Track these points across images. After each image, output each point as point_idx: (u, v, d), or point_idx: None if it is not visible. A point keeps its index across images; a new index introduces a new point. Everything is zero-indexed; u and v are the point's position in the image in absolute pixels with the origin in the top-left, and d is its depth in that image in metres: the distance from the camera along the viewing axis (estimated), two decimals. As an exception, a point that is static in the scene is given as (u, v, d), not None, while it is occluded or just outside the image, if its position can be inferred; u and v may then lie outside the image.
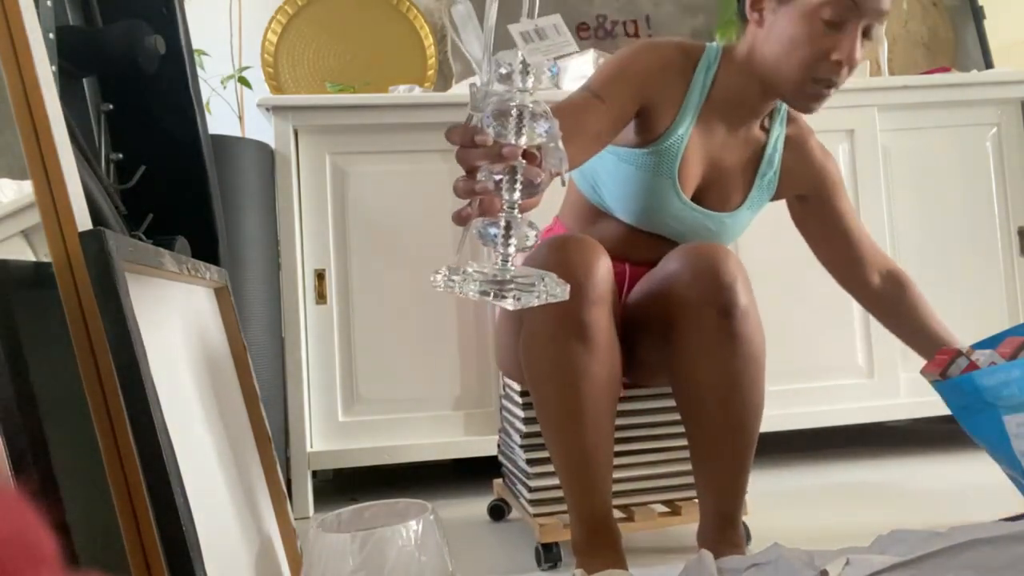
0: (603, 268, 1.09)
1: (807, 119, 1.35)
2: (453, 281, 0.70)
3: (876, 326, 1.95)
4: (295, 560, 1.16)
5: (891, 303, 1.41)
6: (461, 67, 2.33)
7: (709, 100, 1.25)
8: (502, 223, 0.71)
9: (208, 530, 0.77)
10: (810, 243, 1.43)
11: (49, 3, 1.05)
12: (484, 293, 0.69)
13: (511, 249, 0.71)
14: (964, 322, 2.01)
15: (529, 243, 0.72)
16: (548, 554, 1.27)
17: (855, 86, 2.01)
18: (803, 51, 1.13)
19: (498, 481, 1.62)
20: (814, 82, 1.15)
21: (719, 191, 1.30)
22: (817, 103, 1.18)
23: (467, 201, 0.73)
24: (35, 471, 0.66)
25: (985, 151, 2.07)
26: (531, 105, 0.70)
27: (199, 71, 1.71)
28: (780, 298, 1.91)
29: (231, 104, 2.18)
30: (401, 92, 2.02)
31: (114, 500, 0.71)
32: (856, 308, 1.96)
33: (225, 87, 2.17)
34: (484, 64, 0.70)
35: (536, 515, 1.32)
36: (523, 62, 0.69)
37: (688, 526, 1.28)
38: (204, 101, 1.59)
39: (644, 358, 1.23)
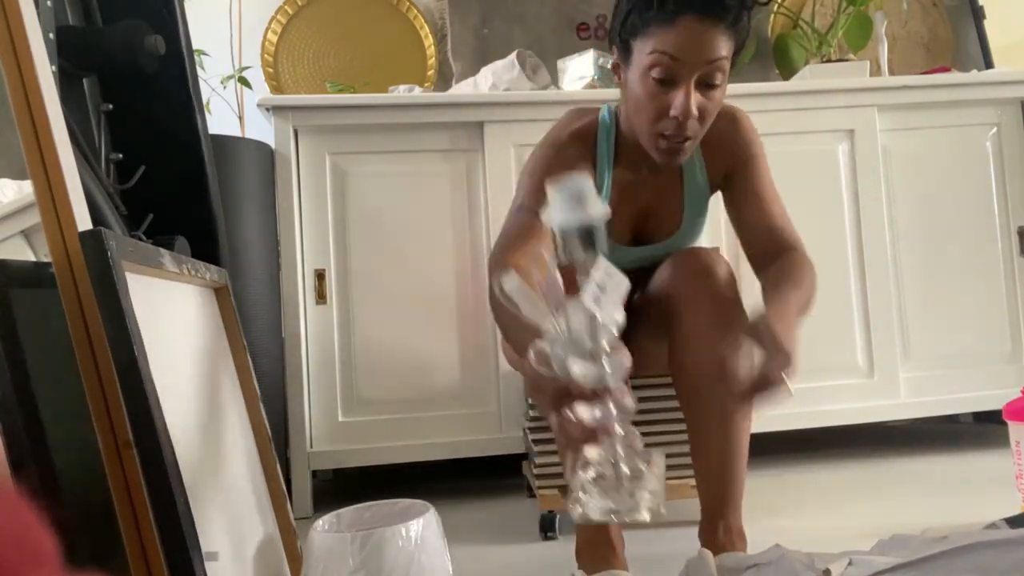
0: None
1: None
2: (579, 501, 0.73)
3: (876, 326, 1.97)
4: (295, 560, 1.16)
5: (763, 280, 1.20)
6: (461, 67, 2.33)
7: (617, 163, 1.25)
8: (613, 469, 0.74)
9: (208, 530, 0.77)
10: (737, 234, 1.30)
11: (49, 3, 1.04)
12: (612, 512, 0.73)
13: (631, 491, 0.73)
14: (964, 322, 2.02)
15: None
16: (549, 523, 1.46)
17: (855, 86, 2.01)
18: (646, 111, 1.13)
19: (525, 463, 1.75)
20: (663, 138, 1.14)
21: (657, 222, 1.30)
22: (673, 157, 1.16)
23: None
24: (35, 471, 0.66)
25: (985, 151, 2.07)
26: (608, 349, 0.75)
27: (199, 71, 1.71)
28: (780, 298, 1.90)
29: (231, 104, 2.18)
30: (401, 92, 2.02)
31: (114, 500, 0.71)
32: (856, 308, 1.96)
33: (225, 87, 2.16)
34: (561, 331, 0.74)
35: (540, 487, 1.49)
36: (591, 319, 0.73)
37: (691, 528, 1.28)
38: (204, 101, 1.59)
39: (642, 345, 1.25)
